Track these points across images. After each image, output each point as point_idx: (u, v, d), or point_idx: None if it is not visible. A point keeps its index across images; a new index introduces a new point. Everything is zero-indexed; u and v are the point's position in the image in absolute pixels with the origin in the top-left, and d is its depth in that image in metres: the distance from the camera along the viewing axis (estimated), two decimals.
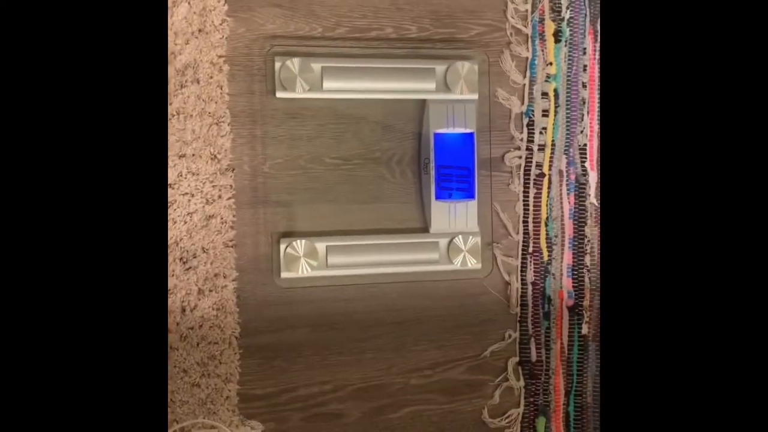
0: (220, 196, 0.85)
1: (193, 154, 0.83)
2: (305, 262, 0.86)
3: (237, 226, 0.86)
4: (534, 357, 0.94)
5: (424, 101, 0.90)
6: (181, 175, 0.83)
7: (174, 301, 0.83)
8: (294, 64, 0.84)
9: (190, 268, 0.84)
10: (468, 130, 0.90)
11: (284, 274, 0.86)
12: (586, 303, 0.96)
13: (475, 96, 0.90)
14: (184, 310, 0.84)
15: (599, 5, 0.95)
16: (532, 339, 0.94)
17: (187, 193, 0.83)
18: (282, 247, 0.86)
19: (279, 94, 0.85)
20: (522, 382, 0.94)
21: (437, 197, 0.89)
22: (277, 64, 0.84)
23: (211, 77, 0.84)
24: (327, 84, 0.86)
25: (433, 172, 0.89)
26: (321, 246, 0.87)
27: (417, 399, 0.92)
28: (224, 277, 0.85)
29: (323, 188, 0.89)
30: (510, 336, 0.94)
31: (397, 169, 0.91)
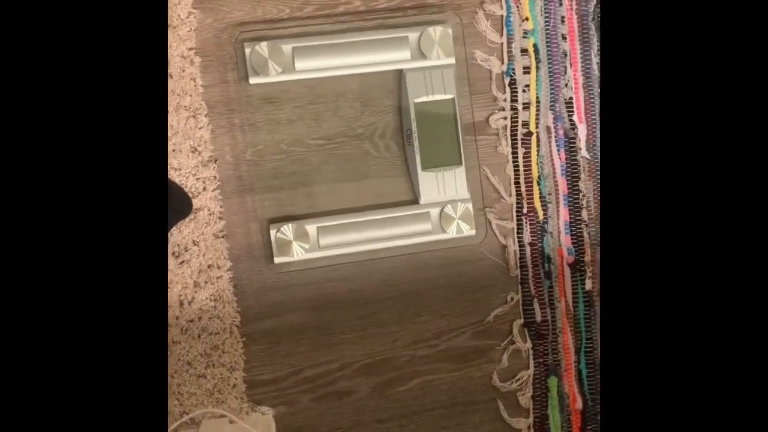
0: (204, 188, 0.85)
1: (173, 150, 0.84)
2: (297, 245, 0.86)
3: (225, 216, 0.86)
4: (539, 317, 0.93)
5: (400, 71, 0.88)
6: None
7: (171, 296, 0.84)
8: (263, 48, 0.84)
9: (183, 261, 0.85)
10: (448, 96, 0.88)
11: (277, 259, 0.86)
12: (587, 258, 0.94)
13: (452, 60, 0.88)
14: (182, 303, 0.85)
15: None
16: (536, 299, 0.93)
17: None
18: (272, 232, 0.86)
19: (252, 80, 0.85)
20: (529, 344, 0.93)
21: (423, 167, 0.88)
22: (247, 50, 0.84)
23: (184, 71, 0.84)
24: (299, 64, 0.85)
25: (416, 143, 0.88)
26: (312, 228, 0.87)
27: (425, 369, 0.92)
28: (218, 268, 0.86)
29: (308, 170, 0.88)
30: (512, 299, 0.93)
31: (381, 144, 0.90)
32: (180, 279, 0.84)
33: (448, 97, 0.88)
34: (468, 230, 0.90)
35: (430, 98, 0.88)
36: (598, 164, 0.94)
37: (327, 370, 0.90)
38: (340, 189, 0.89)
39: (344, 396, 0.90)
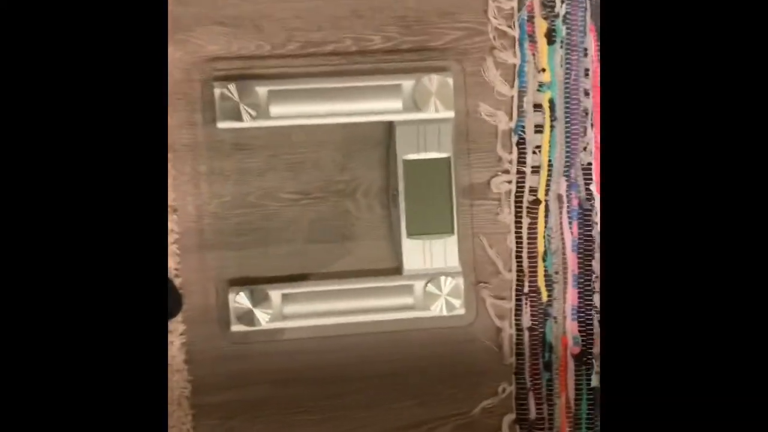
0: None
1: None
2: (259, 312, 0.76)
3: (182, 273, 0.77)
4: (534, 414, 0.81)
5: (390, 123, 0.77)
6: None
7: None
8: (233, 89, 0.74)
9: None
10: (443, 154, 0.77)
11: (235, 327, 0.76)
12: (596, 350, 0.81)
13: (451, 114, 0.77)
14: None
15: None
16: (531, 393, 0.81)
17: None
18: (231, 296, 0.76)
19: (220, 125, 0.75)
20: None
21: (409, 234, 0.77)
22: (216, 91, 0.74)
23: None
24: (275, 109, 0.75)
25: (403, 205, 0.77)
26: (276, 294, 0.76)
27: None
28: (170, 332, 0.77)
29: (278, 228, 0.78)
30: (504, 390, 0.80)
31: (363, 203, 0.79)
32: None
33: (443, 155, 0.77)
34: (457, 308, 0.78)
35: (422, 156, 0.77)
36: None
37: None
38: (313, 251, 0.79)
39: None
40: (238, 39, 0.77)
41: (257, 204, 0.78)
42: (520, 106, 0.79)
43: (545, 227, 0.80)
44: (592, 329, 0.81)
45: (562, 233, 0.80)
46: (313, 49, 0.77)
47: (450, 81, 0.77)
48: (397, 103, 0.76)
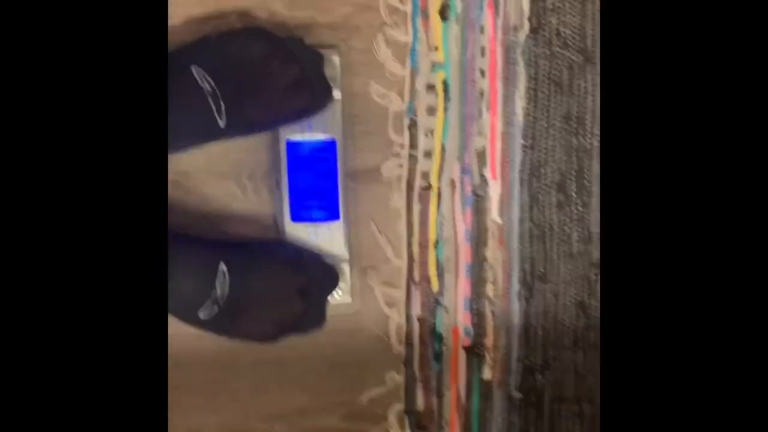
0: None
1: None
2: None
3: None
4: (422, 405, 0.79)
5: None
6: None
7: None
8: None
9: None
10: (328, 137, 0.74)
11: None
12: (488, 342, 0.78)
13: (337, 95, 0.74)
14: None
15: None
16: (420, 384, 0.78)
17: None
18: None
19: None
20: None
21: (293, 218, 0.75)
22: None
23: None
24: None
25: (286, 189, 0.74)
26: None
27: None
28: None
29: None
30: (392, 380, 0.78)
31: (249, 186, 0.77)
32: None
33: (329, 138, 0.74)
34: (341, 295, 0.76)
35: (307, 137, 0.74)
36: (512, 231, 0.77)
37: None
38: None
39: None
40: None
41: None
42: (412, 87, 0.75)
43: (437, 214, 0.77)
44: (484, 321, 0.78)
45: (454, 220, 0.77)
46: (195, 25, 0.75)
47: (336, 60, 0.74)
48: None
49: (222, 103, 0.66)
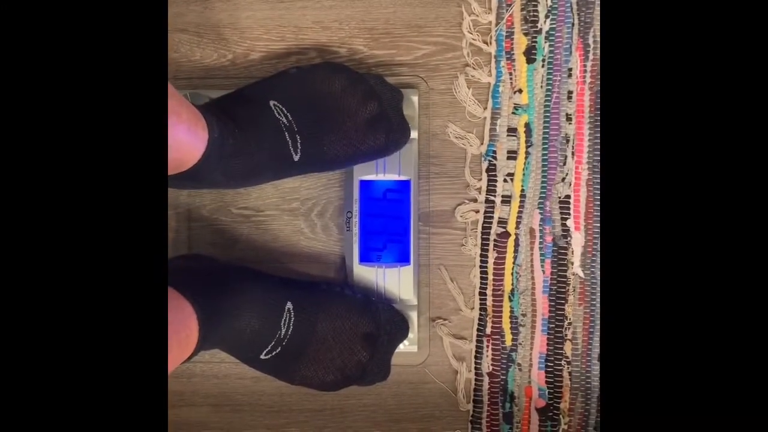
0: None
1: None
2: None
3: None
4: None
5: None
6: None
7: None
8: (187, 98, 0.71)
9: None
10: (403, 177, 0.71)
11: None
12: (564, 405, 0.72)
13: (413, 135, 0.71)
14: None
15: (591, 11, 0.71)
16: None
17: None
18: None
19: None
20: None
21: (362, 260, 0.72)
22: None
23: None
24: None
25: (356, 229, 0.72)
26: None
27: None
28: None
29: (229, 242, 0.75)
30: None
31: (318, 223, 0.74)
32: None
33: (403, 178, 0.71)
34: (408, 344, 0.72)
35: (380, 177, 0.71)
36: (595, 286, 0.72)
37: None
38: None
39: None
40: (201, 48, 0.74)
41: (209, 218, 0.75)
42: (492, 130, 0.72)
43: (514, 263, 0.72)
44: (561, 381, 0.72)
45: (532, 271, 0.72)
46: (275, 60, 0.74)
47: (415, 99, 0.72)
48: None
49: (298, 137, 0.64)
